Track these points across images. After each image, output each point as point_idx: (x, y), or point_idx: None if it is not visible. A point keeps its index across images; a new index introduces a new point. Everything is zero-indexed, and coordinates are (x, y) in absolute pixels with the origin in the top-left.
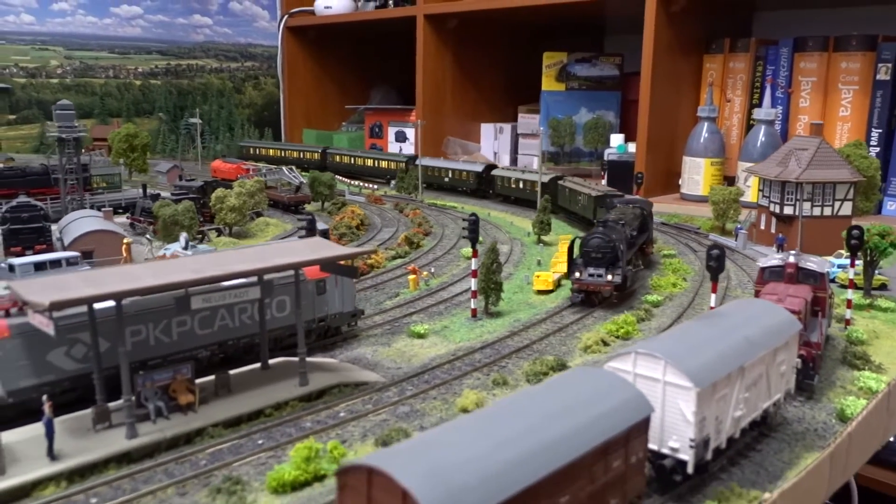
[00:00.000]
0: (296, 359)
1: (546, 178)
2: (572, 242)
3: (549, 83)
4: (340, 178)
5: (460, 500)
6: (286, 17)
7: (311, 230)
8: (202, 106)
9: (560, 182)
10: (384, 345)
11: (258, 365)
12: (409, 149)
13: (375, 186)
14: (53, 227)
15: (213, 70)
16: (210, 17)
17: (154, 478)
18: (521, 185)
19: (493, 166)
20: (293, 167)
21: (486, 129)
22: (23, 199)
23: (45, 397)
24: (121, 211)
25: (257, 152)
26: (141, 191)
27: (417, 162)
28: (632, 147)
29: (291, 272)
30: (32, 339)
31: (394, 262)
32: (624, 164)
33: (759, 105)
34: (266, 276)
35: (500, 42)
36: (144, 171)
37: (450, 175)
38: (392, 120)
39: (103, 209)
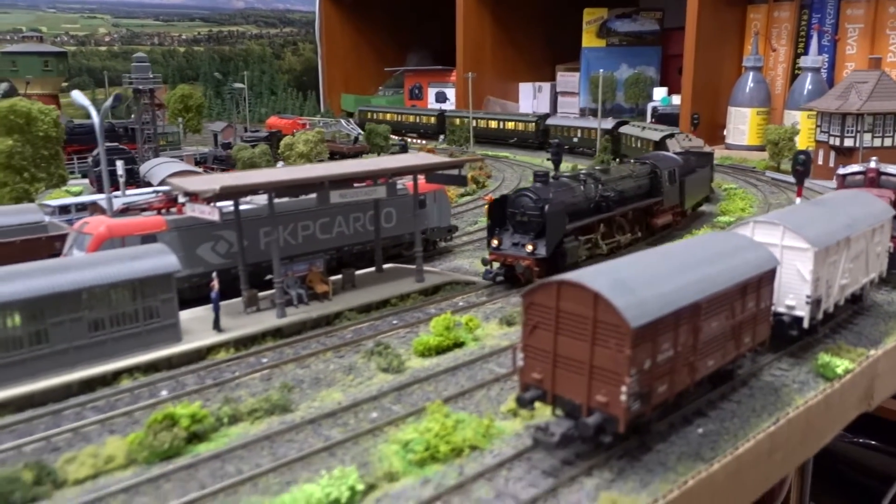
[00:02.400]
0: (404, 266)
1: (658, 137)
2: (496, 201)
3: (589, 39)
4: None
5: (641, 305)
6: None
7: (403, 150)
8: (244, 72)
9: (668, 140)
10: (479, 257)
11: (373, 269)
12: (449, 108)
13: (424, 141)
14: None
15: (253, 36)
16: None
17: (309, 346)
18: (638, 145)
19: (624, 122)
20: (350, 119)
21: (525, 89)
22: (113, 143)
23: (213, 274)
24: None
25: (376, 116)
26: (212, 141)
27: (548, 121)
28: (675, 99)
29: (401, 186)
30: (185, 233)
31: (463, 198)
32: (670, 115)
33: (805, 53)
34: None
35: (539, 1)
36: (198, 132)
37: (578, 135)
38: (432, 81)
39: (184, 155)
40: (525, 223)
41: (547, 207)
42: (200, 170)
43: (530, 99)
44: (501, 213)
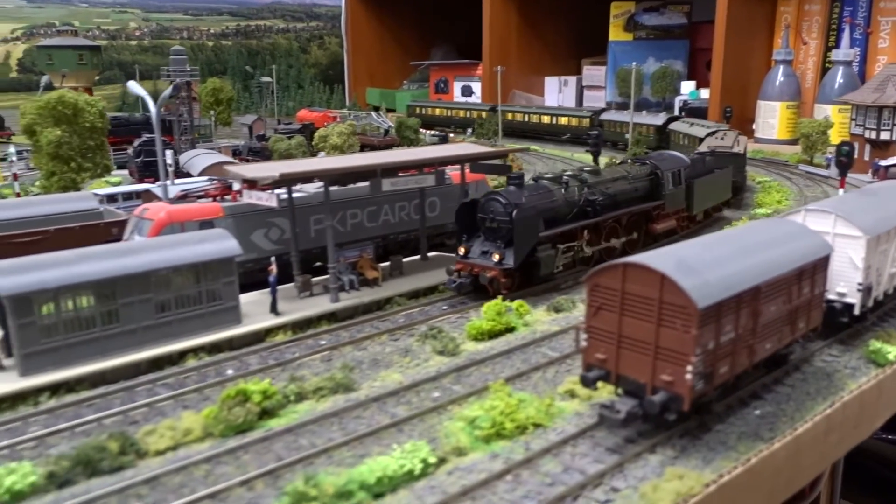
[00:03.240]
0: (447, 254)
1: (703, 133)
2: (464, 205)
3: (616, 33)
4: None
5: (707, 287)
6: None
7: (444, 140)
8: (271, 65)
9: (708, 136)
10: None
11: (417, 256)
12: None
13: (453, 134)
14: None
15: (280, 30)
16: None
17: (363, 330)
18: (686, 142)
19: (675, 118)
20: (381, 111)
21: (550, 83)
22: (150, 135)
23: (272, 259)
24: None
25: (424, 112)
26: (242, 133)
27: (603, 116)
28: (704, 93)
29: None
30: (240, 220)
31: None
32: (698, 109)
33: (837, 46)
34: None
35: None
36: (229, 125)
37: (631, 130)
38: (458, 74)
39: (221, 146)
40: (494, 230)
41: (515, 213)
42: (237, 161)
43: (555, 93)
44: (471, 219)
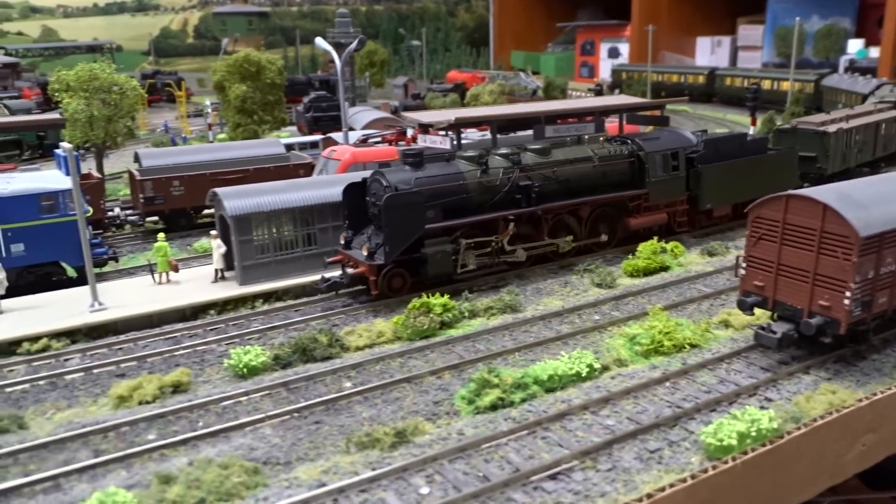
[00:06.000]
0: None
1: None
2: (352, 185)
3: None
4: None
5: (869, 218)
6: None
7: (599, 93)
8: (420, 29)
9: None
10: None
11: None
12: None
13: (583, 94)
14: None
15: None
16: None
17: (523, 265)
18: None
19: (882, 85)
20: (528, 72)
21: (703, 43)
22: (321, 92)
23: None
24: None
25: (631, 77)
26: (395, 94)
27: (825, 82)
28: (873, 52)
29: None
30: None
31: None
32: (867, 69)
33: None
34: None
35: None
36: (381, 86)
37: (843, 99)
38: (605, 36)
39: (381, 104)
40: (377, 216)
41: (386, 198)
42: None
43: (707, 54)
44: (361, 202)
